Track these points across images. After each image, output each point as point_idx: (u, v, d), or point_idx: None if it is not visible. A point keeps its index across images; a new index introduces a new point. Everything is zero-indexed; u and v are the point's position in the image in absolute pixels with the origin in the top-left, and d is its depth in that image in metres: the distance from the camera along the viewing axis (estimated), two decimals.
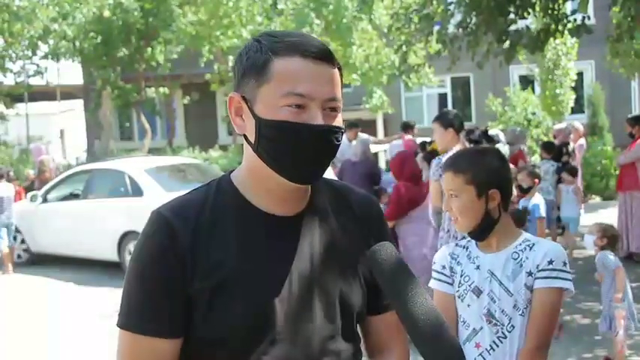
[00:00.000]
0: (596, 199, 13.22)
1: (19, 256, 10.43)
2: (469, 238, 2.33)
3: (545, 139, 13.23)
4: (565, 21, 9.05)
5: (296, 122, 1.30)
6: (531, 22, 9.72)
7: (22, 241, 10.41)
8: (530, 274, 2.17)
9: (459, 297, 2.28)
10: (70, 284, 8.98)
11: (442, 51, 9.73)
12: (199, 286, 1.32)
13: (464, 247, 2.33)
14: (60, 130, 23.81)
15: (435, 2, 9.48)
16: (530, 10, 8.83)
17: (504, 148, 9.47)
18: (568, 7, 9.59)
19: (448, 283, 2.32)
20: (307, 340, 1.37)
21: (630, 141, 8.58)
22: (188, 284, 1.32)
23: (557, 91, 15.62)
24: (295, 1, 15.39)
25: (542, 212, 6.39)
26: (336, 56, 1.38)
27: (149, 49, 16.84)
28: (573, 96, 16.09)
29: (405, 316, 1.28)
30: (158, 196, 8.36)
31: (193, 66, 17.00)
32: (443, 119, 5.11)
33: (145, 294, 1.34)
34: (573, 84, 16.06)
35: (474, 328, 2.24)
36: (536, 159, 12.69)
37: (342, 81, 1.39)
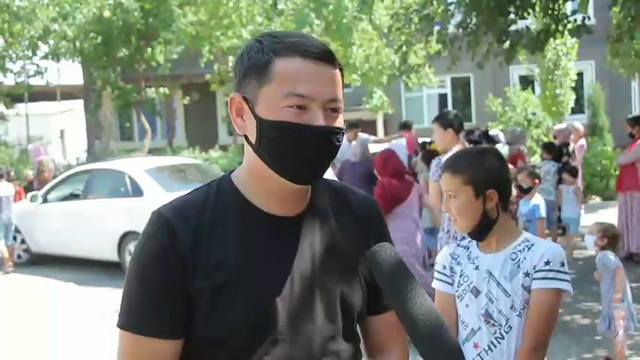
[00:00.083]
0: (597, 200, 13.22)
1: (19, 257, 10.43)
2: (470, 239, 2.34)
3: (546, 139, 13.24)
4: (565, 21, 9.05)
5: (297, 123, 1.30)
6: (531, 22, 9.72)
7: (22, 241, 10.42)
8: (527, 274, 2.17)
9: (458, 297, 2.28)
10: (70, 284, 8.98)
11: (442, 51, 9.74)
12: (200, 286, 1.32)
13: (465, 248, 2.33)
14: (60, 131, 23.82)
15: (435, 2, 9.48)
16: (530, 11, 8.83)
17: (504, 149, 9.47)
18: (568, 8, 9.60)
19: (448, 283, 2.32)
20: (308, 341, 1.37)
21: (630, 141, 8.58)
22: (189, 284, 1.32)
23: (558, 91, 15.62)
24: (295, 1, 15.39)
25: (543, 213, 6.40)
26: (337, 56, 1.38)
27: (149, 50, 16.85)
28: (573, 96, 16.09)
29: (405, 316, 1.28)
30: (158, 196, 8.37)
31: (193, 66, 17.01)
32: (442, 119, 5.11)
33: (146, 294, 1.34)
34: (573, 84, 16.07)
35: (472, 329, 2.24)
36: (536, 159, 12.70)
37: (342, 81, 1.39)
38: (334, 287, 1.42)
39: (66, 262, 9.96)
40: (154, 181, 9.02)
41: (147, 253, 1.35)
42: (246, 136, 1.38)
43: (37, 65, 18.70)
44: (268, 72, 1.32)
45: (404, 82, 17.12)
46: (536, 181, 6.87)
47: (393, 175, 5.82)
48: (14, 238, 10.24)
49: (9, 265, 9.86)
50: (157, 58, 16.82)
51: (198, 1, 15.67)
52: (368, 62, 16.05)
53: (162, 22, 16.15)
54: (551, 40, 9.76)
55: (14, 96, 19.66)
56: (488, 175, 2.23)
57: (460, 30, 9.30)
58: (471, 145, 6.44)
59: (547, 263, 2.15)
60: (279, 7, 16.32)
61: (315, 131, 1.31)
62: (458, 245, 2.37)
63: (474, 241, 2.31)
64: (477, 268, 2.26)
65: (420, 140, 10.81)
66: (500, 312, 2.19)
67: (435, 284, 2.37)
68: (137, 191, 8.99)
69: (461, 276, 2.29)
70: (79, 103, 24.58)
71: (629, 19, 8.73)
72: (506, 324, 2.19)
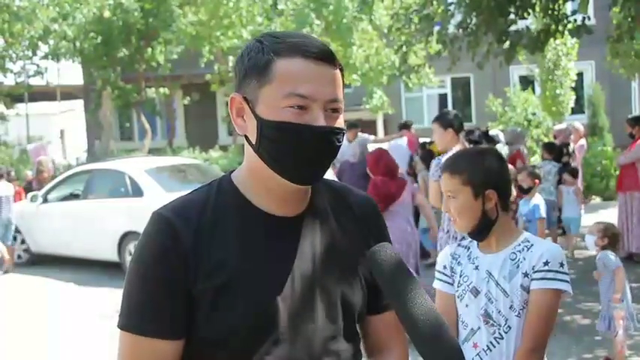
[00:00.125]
0: (597, 200, 13.22)
1: (19, 257, 10.43)
2: (470, 239, 2.34)
3: (546, 139, 13.24)
4: (565, 21, 9.06)
5: (298, 123, 1.30)
6: (531, 22, 9.72)
7: (23, 242, 10.42)
8: (526, 275, 2.17)
9: (458, 297, 2.29)
10: (70, 284, 8.98)
11: (442, 51, 9.74)
12: (202, 286, 1.32)
13: (466, 248, 2.34)
14: (60, 131, 23.81)
15: (435, 3, 9.48)
16: (530, 11, 8.84)
17: (504, 149, 9.48)
18: (568, 8, 9.60)
19: (449, 283, 2.33)
20: (309, 341, 1.37)
21: (630, 141, 8.58)
22: (191, 285, 1.32)
23: (558, 91, 15.62)
24: (295, 1, 15.39)
25: (543, 213, 6.40)
26: (337, 57, 1.38)
27: (149, 50, 16.85)
28: (573, 96, 16.09)
29: (405, 316, 1.28)
30: (158, 196, 8.37)
31: (193, 66, 17.00)
32: (442, 119, 5.11)
33: (147, 295, 1.34)
34: (573, 84, 16.07)
35: (471, 328, 2.25)
36: (536, 159, 12.70)
37: (343, 82, 1.39)
38: (335, 287, 1.42)
39: (66, 262, 9.96)
40: (154, 182, 9.02)
41: (148, 253, 1.35)
42: (246, 137, 1.38)
43: (37, 65, 18.70)
44: (269, 72, 1.32)
45: (404, 83, 17.12)
46: (537, 181, 6.87)
47: (385, 173, 5.86)
48: (14, 239, 10.24)
49: (8, 265, 9.86)
50: (157, 58, 16.82)
51: (199, 1, 15.67)
52: (368, 62, 16.05)
53: (162, 22, 16.15)
54: (552, 40, 9.77)
55: (14, 96, 19.66)
56: (488, 176, 2.23)
57: (460, 30, 9.31)
58: (471, 145, 6.44)
59: (546, 264, 2.15)
60: (280, 7, 16.32)
61: (315, 131, 1.31)
62: (459, 245, 2.38)
63: (475, 241, 2.32)
64: (476, 268, 2.26)
65: (421, 140, 10.81)
66: (499, 312, 2.19)
67: (435, 284, 2.37)
68: (137, 191, 8.99)
69: (461, 276, 2.29)
70: (79, 103, 24.58)
71: (629, 19, 8.73)
72: (505, 324, 2.19)
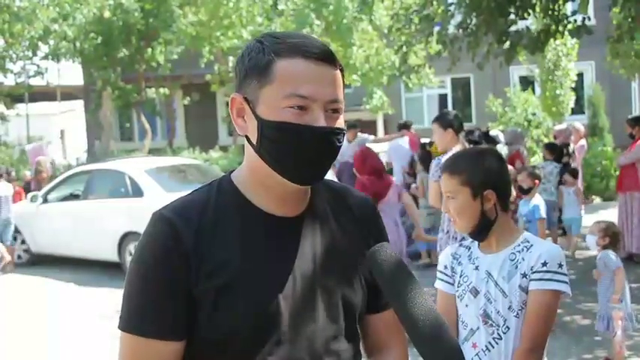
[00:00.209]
0: (597, 200, 13.22)
1: (19, 257, 10.43)
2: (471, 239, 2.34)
3: (546, 140, 13.24)
4: (565, 22, 9.06)
5: (298, 124, 1.30)
6: (531, 22, 9.73)
7: (23, 242, 10.42)
8: (524, 275, 2.17)
9: (458, 297, 2.29)
10: (70, 285, 8.98)
11: (442, 52, 9.74)
12: (203, 287, 1.32)
13: (466, 248, 2.34)
14: (60, 131, 23.81)
15: (435, 3, 9.49)
16: (530, 11, 8.84)
17: (504, 149, 9.48)
18: (568, 8, 9.61)
19: (450, 283, 2.33)
20: (311, 340, 1.37)
21: (630, 142, 8.59)
22: (192, 286, 1.31)
23: (558, 91, 15.62)
24: (295, 1, 15.39)
25: (543, 213, 6.40)
26: (337, 57, 1.38)
27: (149, 50, 16.84)
28: (573, 97, 16.10)
29: (405, 316, 1.29)
30: (158, 196, 8.37)
31: (194, 66, 17.00)
32: (442, 120, 5.11)
33: (148, 295, 1.33)
34: (573, 85, 16.07)
35: (471, 328, 2.25)
36: (536, 160, 12.69)
37: (343, 82, 1.39)
38: (336, 287, 1.42)
39: (66, 262, 9.96)
40: (154, 182, 9.02)
41: (149, 254, 1.34)
42: (247, 137, 1.39)
43: (38, 65, 18.70)
44: (269, 73, 1.32)
45: (404, 83, 17.12)
46: (536, 181, 6.87)
47: (372, 173, 5.91)
48: (14, 239, 10.24)
49: (8, 265, 9.85)
50: (157, 59, 16.81)
51: (199, 1, 15.67)
52: (368, 63, 16.05)
53: (162, 23, 16.15)
54: (552, 40, 9.78)
55: (14, 96, 19.66)
56: (486, 176, 2.23)
57: (460, 30, 9.31)
58: (471, 146, 6.44)
59: (544, 264, 2.15)
60: (280, 7, 16.32)
61: (315, 132, 1.31)
62: (460, 245, 2.38)
63: (476, 241, 2.32)
64: (476, 268, 2.26)
65: (421, 141, 10.80)
66: (498, 312, 2.20)
67: (437, 284, 2.38)
68: (137, 191, 8.99)
69: (461, 276, 2.29)
70: (79, 104, 24.57)
71: (629, 19, 8.74)
72: (503, 324, 2.19)
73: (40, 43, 17.29)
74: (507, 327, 2.19)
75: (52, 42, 17.07)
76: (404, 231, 6.45)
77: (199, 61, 15.96)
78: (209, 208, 1.38)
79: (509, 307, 2.18)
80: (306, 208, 1.44)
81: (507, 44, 9.00)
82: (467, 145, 5.59)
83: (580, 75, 17.88)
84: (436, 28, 9.79)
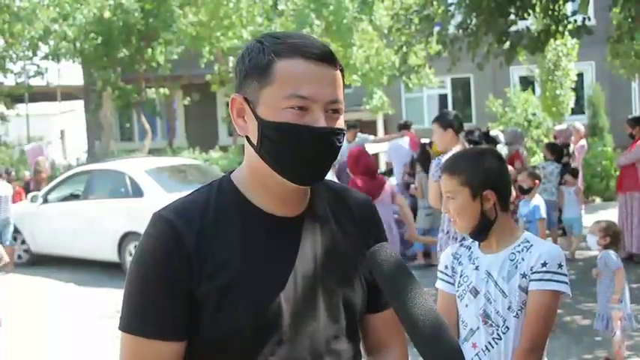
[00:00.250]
0: (597, 201, 13.22)
1: (19, 257, 10.43)
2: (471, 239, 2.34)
3: (546, 140, 13.24)
4: (565, 22, 9.07)
5: (298, 124, 1.31)
6: (532, 23, 9.73)
7: (23, 242, 10.42)
8: (524, 275, 2.17)
9: (458, 297, 2.29)
10: (70, 285, 8.98)
11: (442, 52, 9.75)
12: (206, 288, 1.31)
13: (467, 248, 2.34)
14: (60, 131, 23.82)
15: (435, 3, 9.49)
16: (530, 11, 8.85)
17: (504, 149, 9.47)
18: (568, 8, 9.61)
19: (450, 283, 2.33)
20: (312, 340, 1.38)
21: (630, 142, 8.59)
22: (195, 287, 1.31)
23: (558, 92, 15.62)
24: (296, 1, 15.39)
25: (543, 213, 6.40)
26: (337, 57, 1.38)
27: (149, 50, 16.84)
28: (573, 97, 16.10)
29: (405, 316, 1.29)
30: (158, 196, 8.38)
31: (194, 67, 17.00)
32: (442, 120, 5.11)
33: (148, 296, 1.33)
34: (573, 85, 16.07)
35: (471, 328, 2.25)
36: (536, 160, 12.69)
37: (343, 82, 1.39)
38: (336, 287, 1.42)
39: (66, 262, 9.97)
40: (154, 182, 9.02)
41: (150, 255, 1.34)
42: (247, 137, 1.39)
43: (38, 66, 18.70)
44: (270, 73, 1.32)
45: (404, 83, 17.11)
46: (537, 181, 6.87)
47: (365, 173, 5.93)
48: (14, 239, 10.24)
49: (8, 265, 9.86)
50: (158, 59, 16.81)
51: (199, 1, 15.67)
52: (368, 63, 16.04)
53: (162, 23, 16.14)
54: (552, 40, 9.78)
55: (15, 96, 19.65)
56: (486, 176, 2.23)
57: (460, 31, 9.32)
58: (471, 146, 6.44)
59: (544, 265, 2.15)
60: (280, 7, 16.31)
61: (315, 132, 1.31)
62: (461, 245, 2.38)
63: (476, 241, 2.32)
64: (476, 268, 2.26)
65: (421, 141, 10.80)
66: (497, 312, 2.20)
67: (437, 284, 2.39)
68: (137, 192, 8.99)
69: (461, 276, 2.30)
70: (79, 104, 24.56)
71: (630, 19, 8.74)
72: (503, 324, 2.19)
73: (40, 43, 17.28)
74: (507, 327, 2.19)
75: (52, 42, 17.06)
76: (397, 231, 6.45)
77: (199, 61, 15.96)
78: (209, 208, 1.38)
79: (509, 308, 2.18)
80: (306, 208, 1.44)
81: (507, 44, 9.00)
82: (467, 146, 5.59)
83: (580, 75, 17.88)
84: (436, 29, 9.79)
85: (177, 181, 9.46)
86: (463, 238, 2.43)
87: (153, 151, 16.56)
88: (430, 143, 8.57)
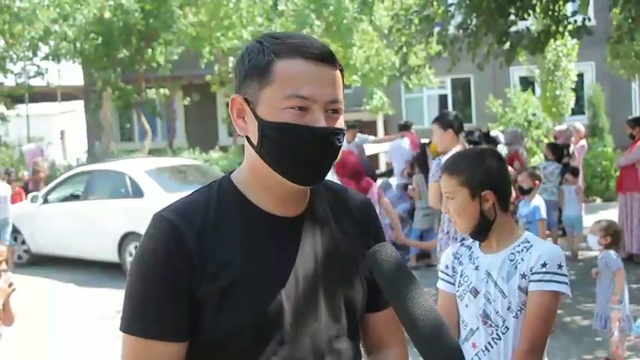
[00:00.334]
0: (597, 201, 13.22)
1: (19, 257, 10.43)
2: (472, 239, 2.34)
3: (546, 140, 13.24)
4: (565, 22, 9.07)
5: (298, 124, 1.31)
6: (532, 23, 9.73)
7: (23, 242, 10.41)
8: (523, 276, 2.17)
9: (459, 297, 2.29)
10: (70, 285, 8.98)
11: (442, 52, 9.75)
12: (207, 288, 1.31)
13: (468, 247, 2.34)
14: (60, 131, 23.83)
15: (435, 3, 9.49)
16: (530, 12, 8.85)
17: (503, 150, 9.47)
18: (568, 9, 9.62)
19: (451, 283, 2.33)
20: (314, 340, 1.38)
21: (630, 142, 8.59)
22: (196, 287, 1.31)
23: (558, 92, 15.62)
24: (296, 2, 15.39)
25: (543, 214, 6.40)
26: (337, 57, 1.38)
27: (149, 50, 16.84)
28: (573, 97, 16.10)
29: (405, 316, 1.29)
30: (158, 197, 8.38)
31: (194, 67, 17.00)
32: (442, 120, 5.12)
33: (149, 296, 1.33)
34: (574, 85, 16.07)
35: (471, 328, 2.25)
36: (536, 160, 12.69)
37: (343, 82, 1.40)
38: (337, 287, 1.43)
39: (66, 262, 9.96)
40: (154, 182, 9.02)
41: (151, 255, 1.34)
42: (247, 137, 1.39)
43: (38, 66, 18.71)
44: (269, 73, 1.32)
45: (404, 83, 17.12)
46: (537, 182, 6.86)
47: (352, 175, 5.93)
48: (15, 239, 10.24)
49: (8, 266, 9.85)
50: (158, 59, 16.81)
51: (199, 2, 15.67)
52: (368, 63, 16.05)
53: (162, 23, 16.15)
54: (552, 41, 9.79)
55: (15, 97, 19.66)
56: (485, 176, 2.23)
57: (460, 31, 9.32)
58: (471, 146, 6.44)
59: (544, 265, 2.14)
60: (280, 7, 16.32)
61: (315, 132, 1.31)
62: (462, 245, 2.38)
63: (477, 241, 2.32)
64: (476, 268, 2.26)
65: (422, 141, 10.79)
66: (497, 313, 2.20)
67: (438, 284, 2.39)
68: (137, 192, 8.99)
69: (461, 276, 2.30)
70: (79, 104, 24.56)
71: (630, 20, 8.74)
72: (502, 325, 2.19)
73: (40, 44, 17.29)
74: (506, 327, 2.19)
75: (52, 42, 17.07)
76: (391, 233, 6.46)
77: (199, 61, 15.96)
78: (210, 208, 1.38)
79: (509, 308, 2.18)
80: (306, 208, 1.44)
81: (507, 45, 9.00)
82: (467, 146, 5.59)
83: (580, 75, 17.88)
84: (436, 29, 9.79)
85: (178, 181, 9.46)
86: (463, 239, 2.43)
87: (153, 152, 16.57)
88: (429, 143, 8.58)
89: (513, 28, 9.01)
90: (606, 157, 13.59)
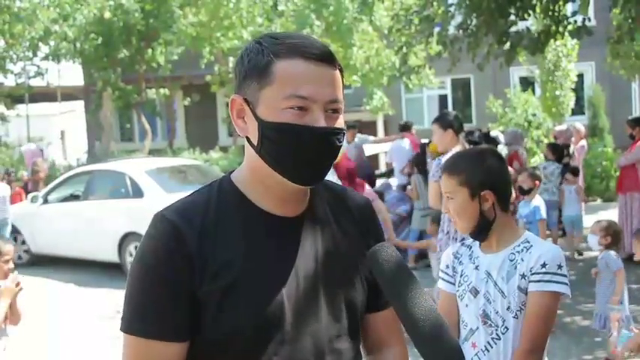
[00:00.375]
0: (597, 201, 13.22)
1: (19, 257, 10.42)
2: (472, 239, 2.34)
3: (546, 140, 13.24)
4: (565, 22, 9.07)
5: (298, 125, 1.31)
6: (532, 23, 9.73)
7: (23, 242, 10.41)
8: (523, 276, 2.16)
9: (459, 297, 2.29)
10: (70, 285, 8.98)
11: (442, 52, 9.75)
12: (208, 288, 1.31)
13: (468, 247, 2.34)
14: (60, 131, 23.83)
15: (435, 4, 9.49)
16: (530, 12, 8.85)
17: (504, 150, 9.48)
18: (568, 9, 9.62)
19: (451, 282, 2.33)
20: (315, 339, 1.38)
21: (630, 142, 8.59)
22: (197, 288, 1.31)
23: (558, 92, 15.62)
24: (296, 2, 15.40)
25: (543, 214, 6.40)
26: (337, 57, 1.38)
27: (150, 51, 16.84)
28: (573, 97, 16.10)
29: (405, 316, 1.29)
30: (158, 197, 8.37)
31: (194, 67, 17.00)
32: (442, 120, 5.12)
33: (149, 296, 1.33)
34: (574, 85, 16.07)
35: (471, 328, 2.25)
36: (536, 160, 12.69)
37: (342, 82, 1.40)
38: (338, 286, 1.43)
39: (66, 262, 9.96)
40: (154, 182, 9.02)
41: (151, 255, 1.34)
42: (247, 138, 1.39)
43: (38, 66, 18.70)
44: (269, 74, 1.32)
45: (404, 84, 17.12)
46: (537, 182, 6.86)
47: (345, 177, 5.92)
48: (15, 239, 10.23)
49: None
50: (158, 59, 16.81)
51: (199, 2, 15.67)
52: (368, 63, 16.05)
53: (162, 23, 16.14)
54: (552, 41, 9.78)
55: (15, 97, 19.65)
56: (484, 176, 2.23)
57: (460, 31, 9.32)
58: (471, 146, 6.44)
59: (543, 266, 2.14)
60: (280, 8, 16.32)
61: (315, 132, 1.31)
62: (462, 244, 2.38)
63: (477, 241, 2.32)
64: (476, 268, 2.26)
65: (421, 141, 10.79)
66: (497, 313, 2.20)
67: (439, 283, 2.40)
68: (137, 192, 8.99)
69: (462, 276, 2.30)
70: (79, 104, 24.56)
71: (630, 20, 8.74)
72: (502, 325, 2.19)
73: (40, 44, 17.29)
74: (506, 327, 2.19)
75: (52, 43, 17.07)
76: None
77: (199, 61, 15.96)
78: (210, 209, 1.38)
79: (508, 308, 2.18)
80: (306, 208, 1.44)
81: (507, 45, 9.00)
82: (467, 146, 5.59)
83: (580, 76, 17.88)
84: (436, 29, 9.79)
85: (178, 181, 9.46)
86: (463, 239, 2.43)
87: (153, 152, 16.56)
88: (428, 143, 8.57)
89: (513, 29, 9.01)
90: (606, 158, 13.59)
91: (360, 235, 1.50)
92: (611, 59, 12.61)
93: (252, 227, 1.38)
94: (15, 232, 10.18)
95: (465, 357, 1.28)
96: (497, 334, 2.20)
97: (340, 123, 1.37)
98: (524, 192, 6.80)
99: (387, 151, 11.27)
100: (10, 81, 19.18)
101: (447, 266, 2.36)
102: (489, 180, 2.23)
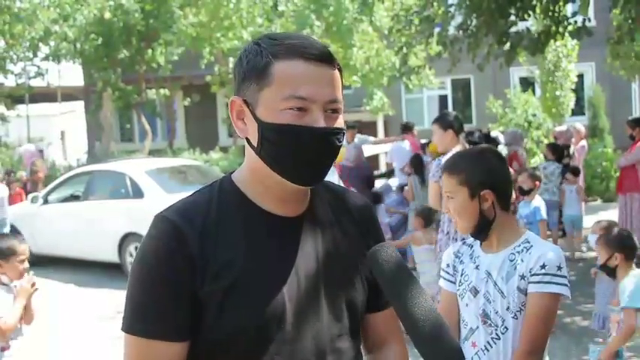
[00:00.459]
0: (597, 202, 13.22)
1: None
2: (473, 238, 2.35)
3: (546, 141, 13.24)
4: (565, 23, 9.07)
5: (297, 125, 1.31)
6: (532, 24, 9.73)
7: None
8: (523, 277, 2.16)
9: (459, 296, 2.30)
10: (70, 285, 8.98)
11: (442, 53, 9.75)
12: (209, 288, 1.32)
13: (469, 246, 2.34)
14: (61, 132, 23.83)
15: (435, 4, 9.49)
16: (530, 12, 8.84)
17: (504, 150, 9.48)
18: (568, 9, 9.62)
19: (452, 281, 2.34)
20: (316, 339, 1.38)
21: (631, 143, 8.58)
22: (198, 288, 1.31)
23: (558, 93, 15.62)
24: (296, 2, 15.40)
25: (544, 214, 6.40)
26: (337, 58, 1.38)
27: (150, 51, 16.84)
28: (574, 98, 16.10)
29: (405, 316, 1.29)
30: (158, 197, 8.37)
31: (194, 67, 17.00)
32: (442, 120, 5.12)
33: (150, 296, 1.33)
34: (574, 86, 16.07)
35: (471, 328, 2.26)
36: (536, 161, 12.69)
37: (342, 82, 1.40)
38: (339, 286, 1.43)
39: (66, 263, 9.96)
40: (154, 183, 9.02)
41: (152, 255, 1.34)
42: (247, 139, 1.39)
43: (38, 66, 18.70)
44: (268, 75, 1.32)
45: (404, 84, 17.12)
46: (537, 183, 6.86)
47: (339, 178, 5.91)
48: None
49: None
50: (158, 60, 16.81)
51: (199, 2, 15.67)
52: (368, 64, 16.05)
53: (162, 24, 16.15)
54: (552, 41, 9.77)
55: (15, 97, 19.65)
56: (484, 176, 2.23)
57: (460, 31, 9.32)
58: (471, 146, 6.44)
59: (543, 267, 2.14)
60: (280, 8, 16.32)
61: (315, 133, 1.31)
62: (463, 243, 2.38)
63: (478, 240, 2.32)
64: (477, 267, 2.26)
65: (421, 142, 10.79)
66: (496, 312, 2.20)
67: (440, 283, 2.40)
68: (137, 192, 8.99)
69: (462, 275, 2.30)
70: (79, 105, 24.56)
71: (630, 20, 8.74)
72: (502, 325, 2.19)
73: (40, 44, 17.29)
74: (506, 327, 2.19)
75: (52, 43, 17.07)
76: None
77: (200, 62, 15.96)
78: (211, 209, 1.38)
79: (508, 308, 2.18)
80: (306, 208, 1.44)
81: (508, 45, 9.00)
82: (467, 146, 5.59)
83: (580, 76, 17.89)
84: (436, 29, 9.79)
85: (178, 181, 9.45)
86: (463, 239, 2.43)
87: (153, 152, 16.56)
88: (427, 143, 8.58)
89: (513, 29, 9.01)
90: (606, 158, 13.59)
91: (360, 235, 1.50)
92: (611, 60, 12.61)
93: (253, 227, 1.38)
94: (15, 232, 10.18)
95: (464, 357, 1.28)
96: (496, 334, 2.20)
97: (340, 123, 1.37)
98: (525, 192, 6.80)
99: (388, 151, 11.27)
100: (10, 81, 19.18)
101: (448, 265, 2.36)
102: (489, 179, 2.23)
